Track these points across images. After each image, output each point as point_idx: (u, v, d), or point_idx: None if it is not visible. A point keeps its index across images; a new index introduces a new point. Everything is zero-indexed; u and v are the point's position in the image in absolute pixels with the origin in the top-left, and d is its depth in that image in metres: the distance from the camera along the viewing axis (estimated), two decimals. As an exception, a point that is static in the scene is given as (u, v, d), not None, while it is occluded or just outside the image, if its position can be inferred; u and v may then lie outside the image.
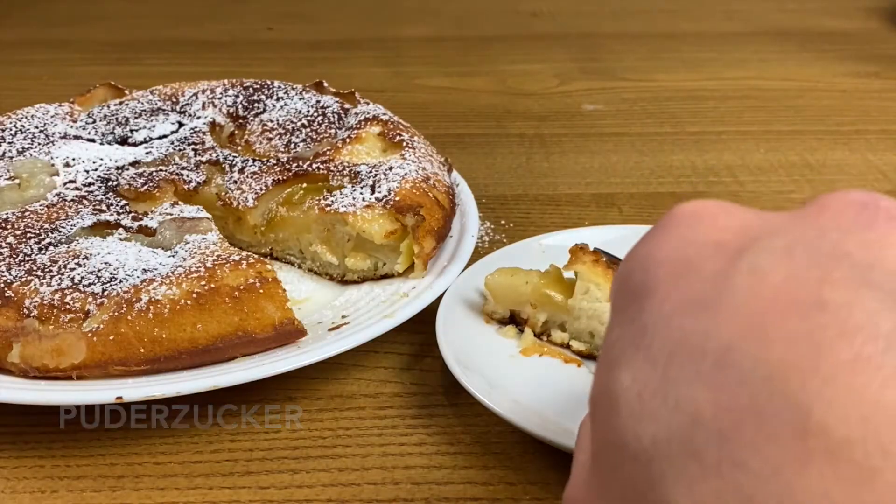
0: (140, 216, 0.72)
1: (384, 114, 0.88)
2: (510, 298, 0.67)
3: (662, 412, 0.26)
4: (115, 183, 0.76)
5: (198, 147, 0.82)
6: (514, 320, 0.68)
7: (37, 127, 0.84)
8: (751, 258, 0.27)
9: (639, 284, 0.30)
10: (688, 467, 0.25)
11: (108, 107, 0.90)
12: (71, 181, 0.76)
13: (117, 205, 0.73)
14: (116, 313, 0.60)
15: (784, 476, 0.23)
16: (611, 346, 0.30)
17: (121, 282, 0.62)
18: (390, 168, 0.77)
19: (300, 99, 0.90)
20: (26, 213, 0.70)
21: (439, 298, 0.69)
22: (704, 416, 0.25)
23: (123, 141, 0.84)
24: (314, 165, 0.79)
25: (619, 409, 0.28)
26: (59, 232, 0.68)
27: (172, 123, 0.87)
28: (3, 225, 0.69)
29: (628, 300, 0.31)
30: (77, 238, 0.68)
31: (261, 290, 0.63)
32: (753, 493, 0.24)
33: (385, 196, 0.73)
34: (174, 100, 0.91)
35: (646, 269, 0.30)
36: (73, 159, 0.79)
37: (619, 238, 0.77)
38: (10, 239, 0.67)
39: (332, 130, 0.85)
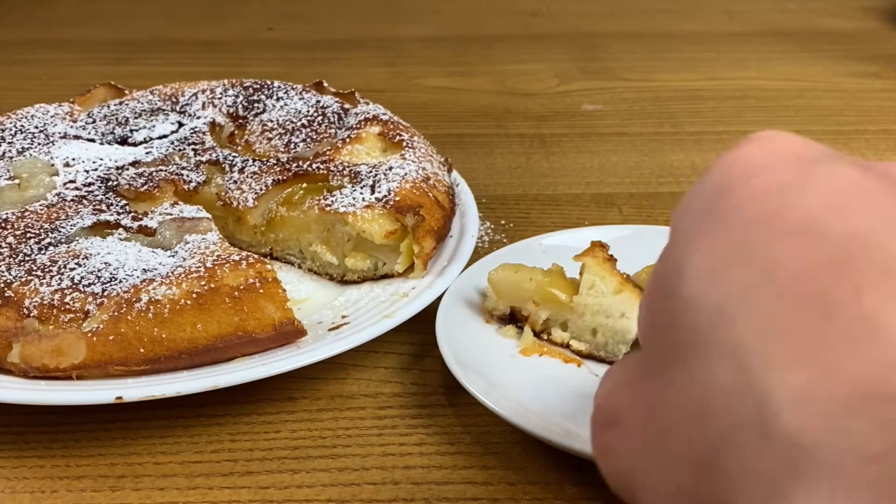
0: (140, 216, 0.72)
1: (384, 114, 0.88)
2: (513, 295, 0.67)
3: (737, 271, 0.28)
4: (115, 183, 0.76)
5: (198, 147, 0.82)
6: (514, 318, 0.68)
7: (37, 127, 0.84)
8: (827, 164, 0.30)
9: (718, 183, 0.32)
10: (763, 308, 0.27)
11: (108, 107, 0.90)
12: (71, 181, 0.76)
13: (117, 205, 0.73)
14: (116, 313, 0.60)
15: (866, 302, 0.25)
16: (678, 239, 0.32)
17: (121, 282, 0.62)
18: (390, 168, 0.77)
19: (300, 99, 0.90)
20: (26, 213, 0.70)
21: (439, 298, 0.69)
22: (786, 265, 0.27)
23: (123, 141, 0.84)
24: (314, 165, 0.79)
25: (689, 283, 0.30)
26: (59, 232, 0.68)
27: (172, 123, 0.87)
28: (3, 225, 0.69)
29: (706, 198, 0.32)
30: (77, 238, 0.68)
31: (261, 290, 0.63)
32: (833, 315, 0.25)
33: (385, 196, 0.73)
34: (174, 100, 0.91)
35: (727, 170, 0.32)
36: (73, 159, 0.79)
37: (619, 238, 0.77)
38: (10, 239, 0.67)
39: (332, 130, 0.85)
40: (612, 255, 0.65)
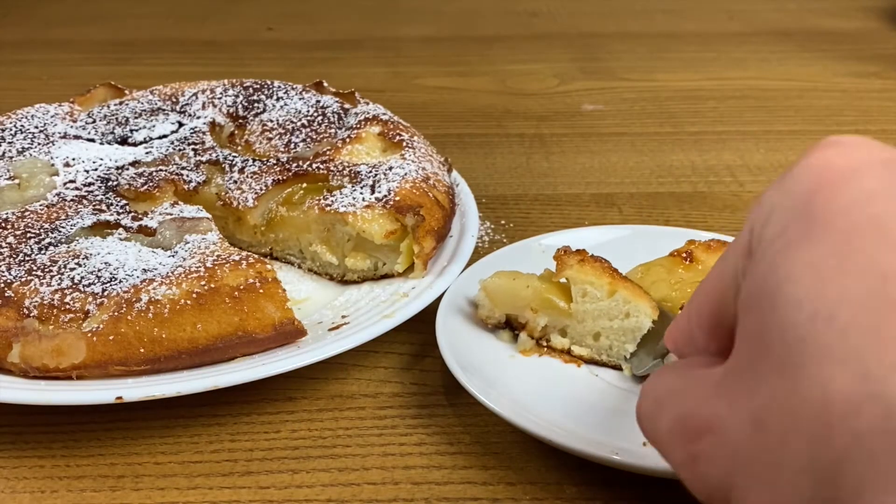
0: (140, 216, 0.72)
1: (384, 114, 0.88)
2: (509, 302, 0.65)
3: (847, 279, 0.28)
4: (115, 183, 0.76)
5: (198, 147, 0.82)
6: (510, 325, 0.66)
7: (37, 127, 0.84)
8: None
9: (807, 187, 0.32)
10: (879, 317, 0.27)
11: (108, 107, 0.90)
12: (71, 181, 0.76)
13: (117, 205, 0.73)
14: (116, 313, 0.60)
15: None
16: (771, 241, 0.32)
17: (121, 282, 0.62)
18: (390, 168, 0.77)
19: (300, 99, 0.90)
20: (26, 213, 0.70)
21: (439, 298, 0.69)
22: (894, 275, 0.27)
23: (123, 141, 0.84)
24: (314, 165, 0.79)
25: (793, 288, 0.29)
26: (59, 232, 0.68)
27: (172, 123, 0.87)
28: (3, 225, 0.69)
29: (795, 202, 0.32)
30: (77, 238, 0.68)
31: (261, 290, 0.63)
32: None
33: (385, 196, 0.73)
34: (174, 100, 0.91)
35: (814, 174, 0.32)
36: (73, 159, 0.79)
37: (619, 238, 0.77)
38: (10, 239, 0.67)
39: (332, 130, 0.85)
40: (594, 256, 0.64)
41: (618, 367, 0.63)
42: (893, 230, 0.28)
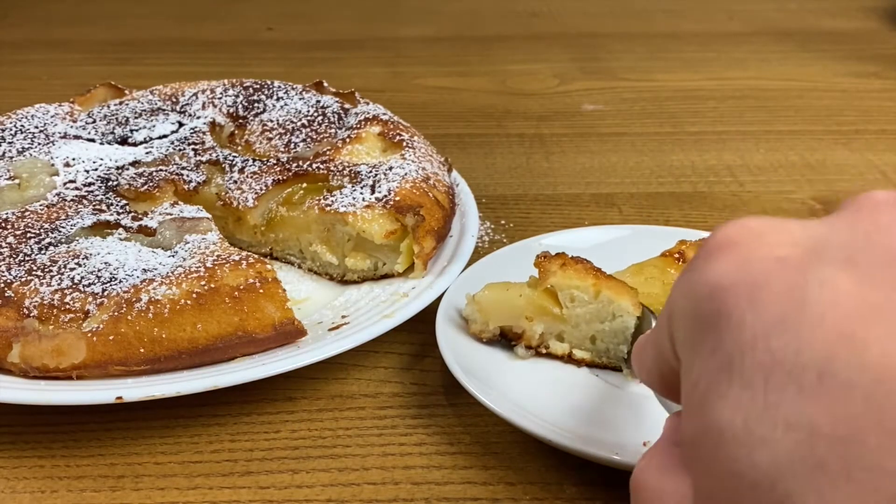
0: (140, 216, 0.72)
1: (384, 114, 0.88)
2: (503, 314, 0.63)
3: (775, 434, 0.26)
4: (115, 183, 0.76)
5: (198, 147, 0.82)
6: (505, 337, 0.64)
7: (37, 127, 0.84)
8: (817, 272, 0.28)
9: (710, 314, 0.30)
10: (815, 480, 0.26)
11: (108, 107, 0.90)
12: (71, 181, 0.76)
13: (117, 205, 0.73)
14: (116, 313, 0.60)
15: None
16: (694, 384, 0.30)
17: (121, 282, 0.62)
18: (390, 168, 0.77)
19: (300, 99, 0.90)
20: (26, 213, 0.70)
21: (439, 298, 0.69)
22: (821, 428, 0.26)
23: (123, 141, 0.84)
24: (314, 165, 0.79)
25: (727, 442, 0.28)
26: (59, 232, 0.68)
27: (172, 123, 0.87)
28: (3, 225, 0.69)
29: (702, 332, 0.30)
30: (77, 238, 0.68)
31: (261, 290, 0.63)
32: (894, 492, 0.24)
33: (385, 196, 0.73)
34: (174, 100, 0.91)
35: (713, 297, 0.30)
36: (73, 159, 0.79)
37: (618, 238, 0.77)
38: (10, 239, 0.67)
39: (332, 130, 0.85)
40: (575, 258, 0.62)
41: (618, 369, 0.63)
42: (808, 375, 0.26)
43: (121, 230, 0.70)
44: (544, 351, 0.64)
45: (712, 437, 0.29)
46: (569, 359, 0.63)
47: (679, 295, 0.33)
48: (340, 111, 0.88)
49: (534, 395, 0.60)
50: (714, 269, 0.31)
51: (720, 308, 0.30)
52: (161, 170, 0.78)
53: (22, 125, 0.84)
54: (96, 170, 0.77)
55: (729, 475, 0.28)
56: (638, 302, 0.61)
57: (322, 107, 0.88)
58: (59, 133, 0.84)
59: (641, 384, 0.60)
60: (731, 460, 0.28)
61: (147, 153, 0.81)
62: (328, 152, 0.82)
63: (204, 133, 0.84)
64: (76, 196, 0.73)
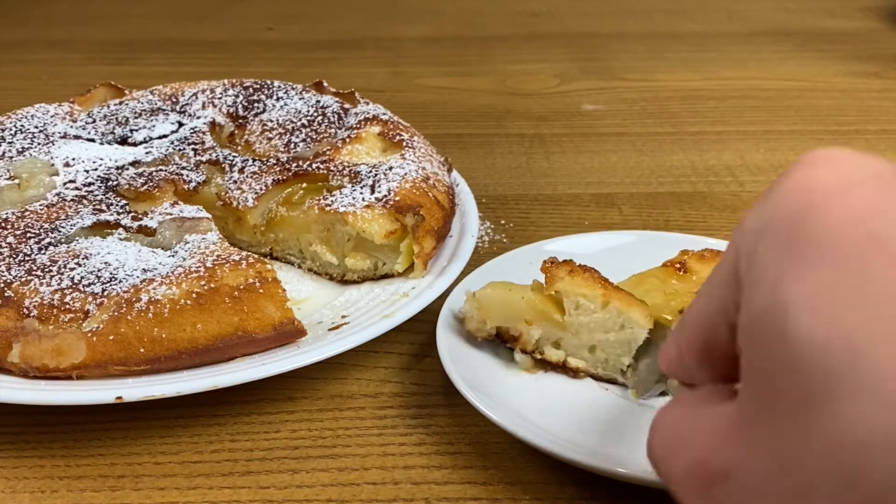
0: (140, 216, 0.72)
1: (384, 114, 0.88)
2: (503, 314, 0.63)
3: (858, 305, 0.26)
4: (114, 183, 0.76)
5: (198, 147, 0.82)
6: (500, 338, 0.64)
7: (37, 127, 0.84)
8: None
9: (796, 208, 0.30)
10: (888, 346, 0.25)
11: (108, 107, 0.90)
12: (71, 181, 0.76)
13: (117, 205, 0.73)
14: (116, 313, 0.60)
15: None
16: (765, 269, 0.30)
17: (120, 282, 0.62)
18: (390, 168, 0.77)
19: (300, 99, 0.90)
20: (26, 213, 0.70)
21: (439, 299, 0.68)
22: None
23: (123, 141, 0.84)
24: (314, 165, 0.79)
25: (799, 320, 0.27)
26: (59, 232, 0.68)
27: (172, 123, 0.87)
28: (3, 225, 0.69)
29: (785, 225, 0.30)
30: (77, 238, 0.68)
31: (261, 290, 0.63)
32: None
33: (385, 196, 0.73)
34: (174, 100, 0.91)
35: (801, 194, 0.31)
36: (73, 159, 0.79)
37: (621, 245, 0.76)
38: (10, 239, 0.67)
39: (332, 130, 0.85)
40: (583, 266, 0.62)
41: (614, 381, 0.62)
42: None
43: (121, 230, 0.70)
44: (539, 357, 0.63)
45: (776, 315, 0.28)
46: (563, 367, 0.62)
47: (758, 214, 0.32)
48: (340, 111, 0.88)
49: (534, 403, 0.59)
50: (803, 175, 0.31)
51: (811, 203, 0.30)
52: (161, 170, 0.78)
53: (22, 125, 0.84)
54: (96, 170, 0.77)
55: (788, 354, 0.28)
56: (649, 314, 0.60)
57: (322, 107, 0.88)
58: (59, 133, 0.84)
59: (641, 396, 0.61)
60: (799, 333, 0.27)
61: (147, 153, 0.81)
62: (328, 152, 0.82)
63: (204, 133, 0.84)
64: (76, 196, 0.73)
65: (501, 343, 0.64)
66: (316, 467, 0.58)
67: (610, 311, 0.60)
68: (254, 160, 0.81)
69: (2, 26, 1.64)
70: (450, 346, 0.63)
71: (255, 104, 0.90)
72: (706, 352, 0.37)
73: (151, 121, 0.87)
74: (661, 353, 0.42)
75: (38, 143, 0.81)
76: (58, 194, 0.74)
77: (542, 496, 0.55)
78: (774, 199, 0.32)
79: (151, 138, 0.84)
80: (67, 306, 0.60)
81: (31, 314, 0.60)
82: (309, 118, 0.86)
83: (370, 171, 0.77)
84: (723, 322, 0.34)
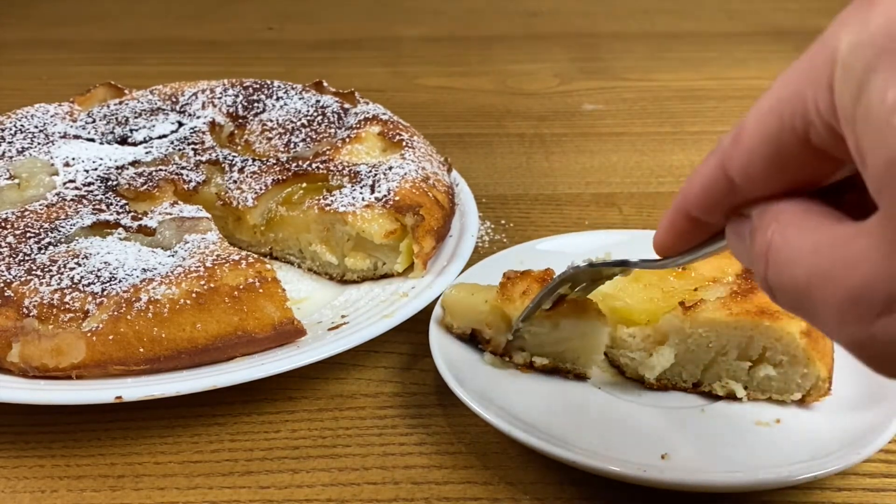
0: (140, 216, 0.72)
1: (384, 113, 0.88)
2: (469, 317, 0.64)
3: None
4: (114, 182, 0.76)
5: (197, 147, 0.82)
6: (474, 338, 0.64)
7: (36, 126, 0.84)
8: None
9: None
10: None
11: (108, 106, 0.90)
12: (70, 181, 0.76)
13: (117, 204, 0.73)
14: (116, 313, 0.59)
15: None
16: (881, 93, 0.30)
17: (120, 281, 0.62)
18: (390, 168, 0.77)
19: (300, 99, 0.90)
20: (26, 213, 0.70)
21: (438, 299, 0.68)
22: None
23: (123, 140, 0.84)
24: (314, 165, 0.79)
25: None
26: (59, 231, 0.68)
27: (172, 123, 0.87)
28: (3, 224, 0.69)
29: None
30: (77, 238, 0.68)
31: (260, 290, 0.63)
32: None
33: (385, 196, 0.73)
34: (174, 99, 0.91)
35: None
36: (73, 159, 0.79)
37: (618, 243, 0.76)
38: (10, 238, 0.67)
39: (332, 130, 0.85)
40: (543, 275, 0.62)
41: (584, 377, 0.62)
42: None
43: (120, 230, 0.70)
44: (508, 359, 0.63)
45: None
46: (530, 367, 0.63)
47: (855, 29, 0.33)
48: (340, 111, 0.88)
49: (531, 403, 0.59)
50: None
51: None
52: (161, 169, 0.78)
53: (22, 125, 0.84)
54: (96, 170, 0.77)
55: None
56: (604, 315, 0.60)
57: (322, 107, 0.88)
58: (59, 133, 0.84)
59: (639, 396, 0.61)
60: None
61: (147, 153, 0.81)
62: (328, 152, 0.82)
63: (204, 133, 0.84)
64: (76, 196, 0.73)
65: (475, 343, 0.64)
66: (316, 467, 0.58)
67: (562, 328, 0.60)
68: (254, 160, 0.81)
69: (2, 26, 1.64)
70: (443, 348, 0.63)
71: (255, 104, 0.90)
72: (778, 158, 0.35)
73: (151, 121, 0.87)
74: (685, 186, 0.40)
75: (38, 143, 0.81)
76: (57, 194, 0.74)
77: (542, 496, 0.55)
78: (875, 15, 0.32)
79: (151, 138, 0.84)
80: (67, 306, 0.60)
81: (31, 314, 0.60)
82: (309, 118, 0.86)
83: (370, 171, 0.77)
84: (800, 126, 0.34)
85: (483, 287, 0.65)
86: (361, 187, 0.75)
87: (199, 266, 0.63)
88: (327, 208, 0.73)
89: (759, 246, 0.35)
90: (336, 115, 0.87)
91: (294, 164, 0.79)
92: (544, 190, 0.98)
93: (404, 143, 0.82)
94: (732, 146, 0.37)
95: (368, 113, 0.87)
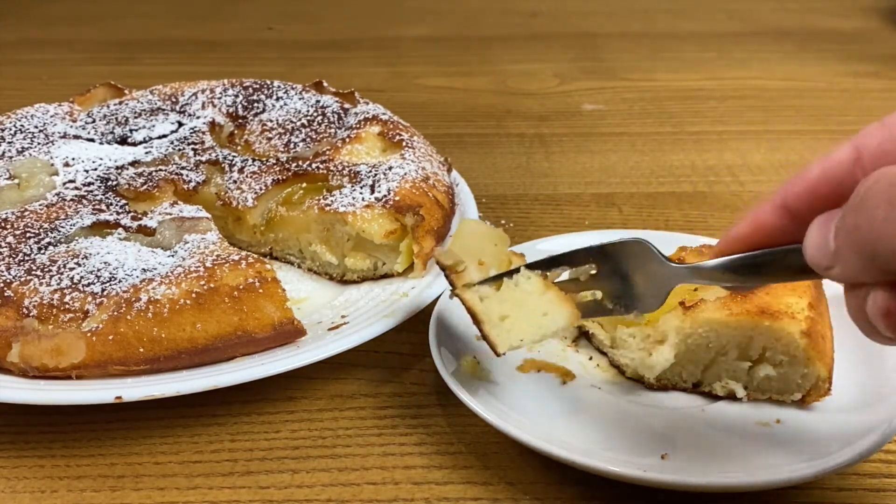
0: (139, 216, 0.72)
1: (384, 113, 0.88)
2: (472, 247, 0.60)
3: None
4: (114, 182, 0.76)
5: (197, 147, 0.82)
6: (445, 273, 0.59)
7: (36, 126, 0.84)
8: None
9: None
10: None
11: (108, 106, 0.90)
12: (70, 181, 0.76)
13: (117, 204, 0.73)
14: (116, 313, 0.59)
15: None
16: None
17: (120, 281, 0.62)
18: (390, 168, 0.77)
19: (300, 99, 0.90)
20: (26, 213, 0.70)
21: (438, 299, 0.68)
22: None
23: (123, 141, 0.84)
24: (314, 165, 0.79)
25: None
26: (59, 231, 0.68)
27: (172, 123, 0.87)
28: (3, 224, 0.69)
29: None
30: (76, 238, 0.68)
31: (260, 290, 0.63)
32: None
33: (385, 196, 0.73)
34: (174, 99, 0.91)
35: None
36: (73, 159, 0.79)
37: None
38: (10, 238, 0.67)
39: (332, 130, 0.85)
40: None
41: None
42: None
43: (120, 230, 0.70)
44: (455, 290, 0.58)
45: None
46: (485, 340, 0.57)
47: None
48: (340, 111, 0.88)
49: (530, 403, 0.59)
50: None
51: None
52: (160, 169, 0.78)
53: (21, 125, 0.84)
54: (96, 170, 0.77)
55: None
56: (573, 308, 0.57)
57: (322, 107, 0.88)
58: (59, 133, 0.84)
59: (639, 396, 0.61)
60: None
61: (146, 153, 0.80)
62: (328, 152, 0.82)
63: (203, 133, 0.84)
64: (75, 196, 0.73)
65: (444, 275, 0.60)
66: (316, 467, 0.58)
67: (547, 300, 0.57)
68: (253, 160, 0.81)
69: (2, 26, 1.64)
70: (444, 348, 0.63)
71: (255, 104, 0.90)
72: None
73: (151, 121, 0.87)
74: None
75: (38, 143, 0.81)
76: (57, 194, 0.74)
77: (542, 496, 0.55)
78: None
79: (151, 138, 0.84)
80: (67, 306, 0.60)
81: (31, 314, 0.60)
82: (309, 118, 0.86)
83: (370, 171, 0.77)
84: None
85: (501, 234, 0.61)
86: (361, 187, 0.75)
87: (199, 266, 0.63)
88: (327, 208, 0.73)
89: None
90: (336, 115, 0.87)
91: (294, 164, 0.79)
92: (544, 190, 0.98)
93: (404, 143, 0.82)
94: (880, 128, 0.40)
95: (368, 113, 0.87)
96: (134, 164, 0.78)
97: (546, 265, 0.58)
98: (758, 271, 0.48)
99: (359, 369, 0.68)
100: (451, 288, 0.60)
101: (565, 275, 0.59)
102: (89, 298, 0.61)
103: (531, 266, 0.58)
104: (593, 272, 0.58)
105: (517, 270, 0.58)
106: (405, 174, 0.76)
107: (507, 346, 0.56)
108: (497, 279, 0.58)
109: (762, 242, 0.46)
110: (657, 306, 0.56)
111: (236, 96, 0.91)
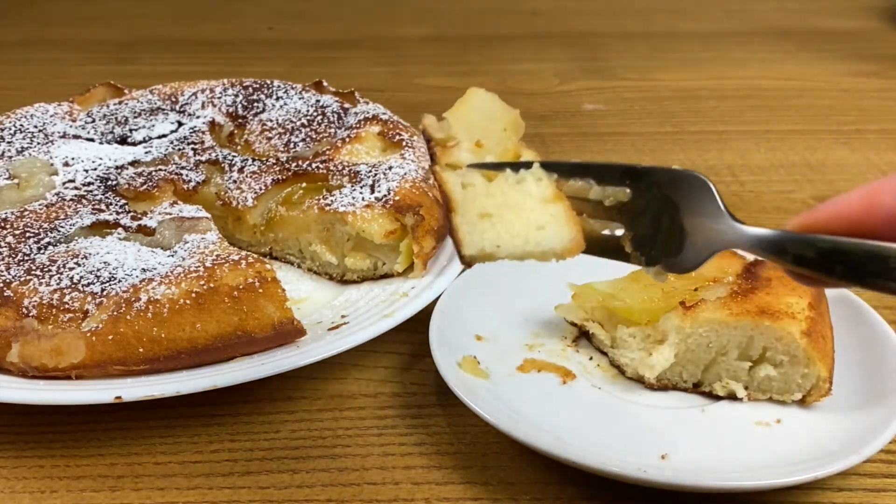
0: (139, 216, 0.72)
1: (384, 113, 0.88)
2: (474, 123, 0.53)
3: None
4: (114, 182, 0.75)
5: (197, 147, 0.82)
6: (429, 146, 0.53)
7: (36, 126, 0.84)
8: None
9: None
10: None
11: (108, 106, 0.90)
12: (70, 181, 0.76)
13: (116, 204, 0.73)
14: (115, 313, 0.59)
15: None
16: None
17: (120, 281, 0.62)
18: (390, 167, 0.77)
19: (300, 98, 0.90)
20: (25, 213, 0.70)
21: (438, 299, 0.68)
22: None
23: (123, 140, 0.84)
24: (314, 165, 0.79)
25: None
26: (59, 231, 0.68)
27: (172, 123, 0.87)
28: (3, 224, 0.69)
29: None
30: (76, 237, 0.68)
31: (260, 290, 0.63)
32: None
33: (385, 195, 0.73)
34: (174, 99, 0.91)
35: None
36: (73, 159, 0.78)
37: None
38: (10, 238, 0.67)
39: (332, 130, 0.85)
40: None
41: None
42: None
43: (120, 230, 0.70)
44: (430, 164, 0.52)
45: None
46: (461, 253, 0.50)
47: None
48: (340, 111, 0.88)
49: (530, 403, 0.59)
50: None
51: None
52: (160, 169, 0.77)
53: (21, 125, 0.84)
54: (95, 169, 0.77)
55: None
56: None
57: (322, 106, 0.88)
58: (59, 132, 0.84)
59: (639, 396, 0.61)
60: None
61: (146, 153, 0.80)
62: (328, 152, 0.82)
63: (203, 133, 0.84)
64: (75, 196, 0.73)
65: (427, 146, 0.53)
66: (316, 467, 0.58)
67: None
68: (253, 160, 0.81)
69: (2, 26, 1.64)
70: (443, 348, 0.63)
71: (255, 104, 0.90)
72: None
73: (151, 120, 0.87)
74: None
75: (38, 143, 0.81)
76: (57, 194, 0.73)
77: (542, 496, 0.55)
78: None
79: (151, 138, 0.84)
80: (67, 306, 0.60)
81: (31, 314, 0.60)
82: (309, 118, 0.86)
83: (370, 171, 0.77)
84: None
85: (514, 120, 0.55)
86: (361, 187, 0.75)
87: (199, 266, 0.63)
88: (327, 208, 0.73)
89: None
90: (336, 115, 0.87)
91: (294, 164, 0.79)
92: (544, 190, 0.98)
93: (404, 143, 0.82)
94: None
95: (368, 113, 0.87)
96: (134, 163, 0.78)
97: (566, 171, 0.48)
98: (858, 268, 0.35)
99: (359, 369, 0.68)
100: (430, 164, 0.50)
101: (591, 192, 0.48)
102: (89, 298, 0.61)
103: (547, 166, 0.48)
104: (625, 200, 0.47)
105: (528, 165, 0.48)
106: (405, 174, 0.76)
107: (477, 249, 0.47)
108: (496, 168, 0.48)
109: (875, 230, 0.34)
110: (693, 267, 0.43)
111: (236, 96, 0.91)
